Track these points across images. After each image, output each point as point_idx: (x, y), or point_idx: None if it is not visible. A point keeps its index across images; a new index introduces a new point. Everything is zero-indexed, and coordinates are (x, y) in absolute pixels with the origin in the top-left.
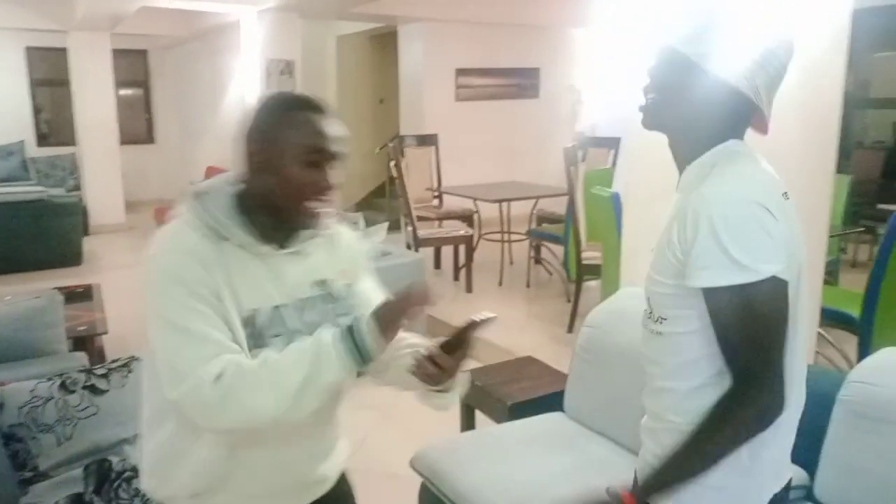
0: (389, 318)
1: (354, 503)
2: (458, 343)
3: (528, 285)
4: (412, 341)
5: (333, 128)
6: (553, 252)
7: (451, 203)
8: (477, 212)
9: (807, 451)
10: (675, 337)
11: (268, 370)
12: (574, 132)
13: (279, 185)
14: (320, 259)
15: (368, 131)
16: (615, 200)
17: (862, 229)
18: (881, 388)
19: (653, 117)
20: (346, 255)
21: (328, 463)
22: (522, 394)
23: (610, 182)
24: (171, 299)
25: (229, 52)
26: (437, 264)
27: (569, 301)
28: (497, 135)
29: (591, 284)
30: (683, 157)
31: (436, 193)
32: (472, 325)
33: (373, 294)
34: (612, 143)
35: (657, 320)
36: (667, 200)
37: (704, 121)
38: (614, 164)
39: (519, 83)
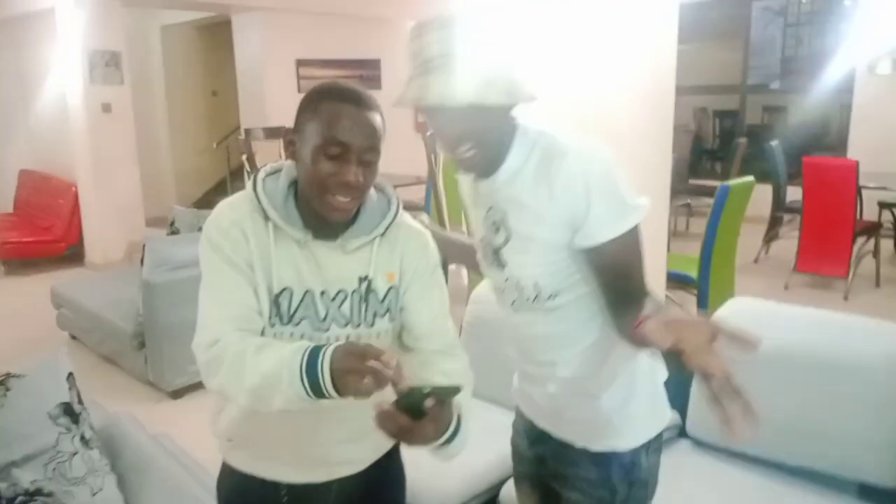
0: (347, 364)
1: (398, 489)
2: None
3: None
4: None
5: (364, 121)
6: None
7: None
8: None
9: (676, 396)
10: (575, 303)
11: (248, 361)
12: (417, 122)
13: (304, 175)
14: (373, 257)
15: (202, 126)
16: None
17: (687, 202)
18: None
19: (479, 165)
20: (402, 258)
21: (358, 446)
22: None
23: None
24: (209, 263)
25: (42, 44)
26: None
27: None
28: None
29: (451, 267)
30: (489, 167)
31: None
32: (436, 395)
33: (420, 304)
34: None
35: (549, 297)
36: None
37: (501, 135)
38: None
39: (361, 74)
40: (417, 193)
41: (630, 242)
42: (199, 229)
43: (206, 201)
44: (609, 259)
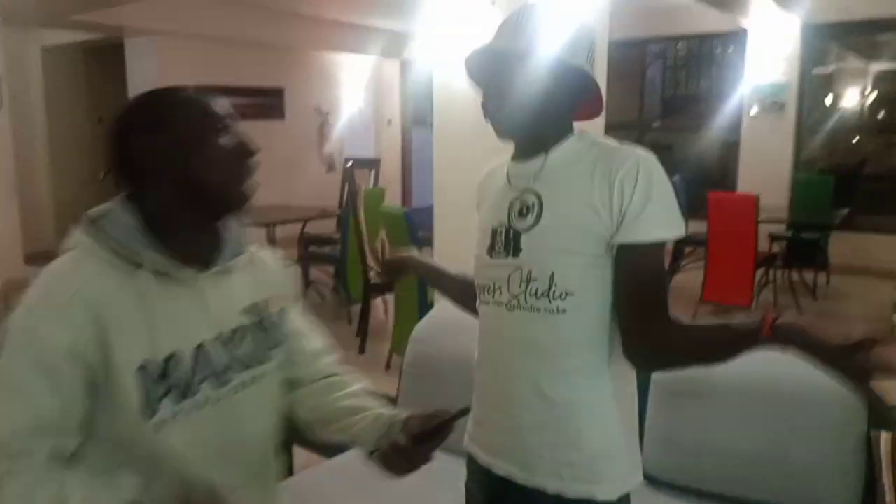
0: None
1: None
2: (430, 435)
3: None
4: (360, 402)
5: (204, 94)
6: (324, 274)
7: None
8: None
9: None
10: (583, 311)
11: None
12: (323, 154)
13: (198, 180)
14: (246, 282)
15: (87, 155)
16: (408, 217)
17: None
18: None
19: (513, 123)
20: (272, 278)
21: None
22: None
23: (382, 200)
24: (11, 359)
25: None
26: None
27: (350, 323)
28: None
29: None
30: (536, 146)
31: None
32: (450, 420)
33: (302, 325)
34: (373, 164)
35: (560, 296)
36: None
37: (558, 116)
38: (376, 183)
39: (263, 103)
40: (320, 227)
41: (663, 254)
42: None
43: None
44: (647, 261)
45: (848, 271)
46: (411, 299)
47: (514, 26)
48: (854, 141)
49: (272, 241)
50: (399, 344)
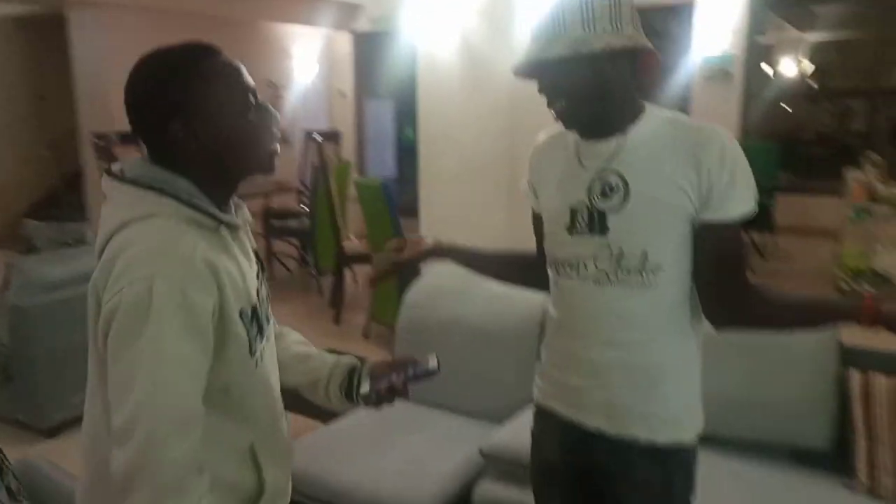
0: None
1: None
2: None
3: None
4: (307, 349)
5: (238, 63)
6: (288, 247)
7: None
8: None
9: None
10: (671, 283)
11: None
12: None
13: (229, 144)
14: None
15: (26, 132)
16: (385, 188)
17: None
18: None
19: (582, 122)
20: (243, 217)
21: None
22: None
23: (349, 173)
24: (165, 323)
25: None
26: None
27: (321, 294)
28: None
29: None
30: (607, 128)
31: None
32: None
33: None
34: (335, 137)
35: (652, 271)
36: (462, 181)
37: (624, 98)
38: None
39: None
40: (278, 201)
41: (742, 229)
42: (65, 244)
43: (37, 214)
44: (730, 235)
45: (792, 232)
46: None
47: (550, 28)
48: (794, 108)
49: None
50: (378, 313)
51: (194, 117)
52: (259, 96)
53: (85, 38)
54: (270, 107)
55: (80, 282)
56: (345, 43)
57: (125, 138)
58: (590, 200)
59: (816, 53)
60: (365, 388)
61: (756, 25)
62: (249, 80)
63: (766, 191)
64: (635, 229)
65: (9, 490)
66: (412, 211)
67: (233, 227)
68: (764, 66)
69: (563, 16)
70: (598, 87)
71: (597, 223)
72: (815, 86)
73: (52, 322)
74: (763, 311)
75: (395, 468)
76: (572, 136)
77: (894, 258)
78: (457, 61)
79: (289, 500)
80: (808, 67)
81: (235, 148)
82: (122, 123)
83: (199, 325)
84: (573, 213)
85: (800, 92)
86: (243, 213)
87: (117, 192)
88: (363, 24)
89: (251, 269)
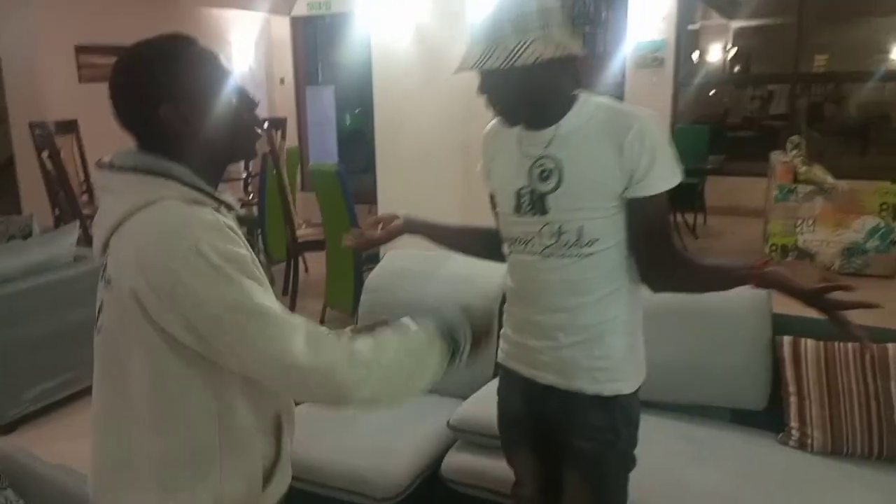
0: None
1: None
2: None
3: None
4: None
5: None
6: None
7: None
8: None
9: None
10: (607, 252)
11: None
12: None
13: (221, 132)
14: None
15: None
16: (340, 174)
17: None
18: None
19: (519, 118)
20: None
21: None
22: None
23: (298, 161)
24: (238, 283)
25: None
26: None
27: (273, 283)
28: None
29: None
30: (543, 120)
31: (86, 188)
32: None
33: None
34: (280, 124)
35: (587, 244)
36: (418, 168)
37: (557, 92)
38: (283, 141)
39: None
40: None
41: (667, 199)
42: (10, 238)
43: None
44: (655, 210)
45: (721, 212)
46: (346, 254)
47: (487, 35)
48: (720, 93)
49: None
50: (334, 300)
51: (182, 101)
52: (239, 81)
53: (11, 23)
54: (250, 92)
55: (30, 275)
56: (283, 28)
57: (60, 128)
58: (531, 184)
59: (741, 40)
60: None
61: (686, 13)
62: (228, 65)
63: (696, 172)
64: (571, 208)
65: None
66: (360, 197)
67: (229, 208)
68: (693, 51)
69: (498, 24)
70: (531, 93)
71: (538, 204)
72: (741, 70)
73: (3, 316)
74: (686, 273)
75: (367, 444)
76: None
77: (816, 234)
78: (412, 51)
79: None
80: (734, 53)
81: (223, 130)
82: (53, 112)
83: (249, 267)
84: (518, 196)
85: (727, 77)
86: (227, 197)
87: (117, 181)
88: (301, 9)
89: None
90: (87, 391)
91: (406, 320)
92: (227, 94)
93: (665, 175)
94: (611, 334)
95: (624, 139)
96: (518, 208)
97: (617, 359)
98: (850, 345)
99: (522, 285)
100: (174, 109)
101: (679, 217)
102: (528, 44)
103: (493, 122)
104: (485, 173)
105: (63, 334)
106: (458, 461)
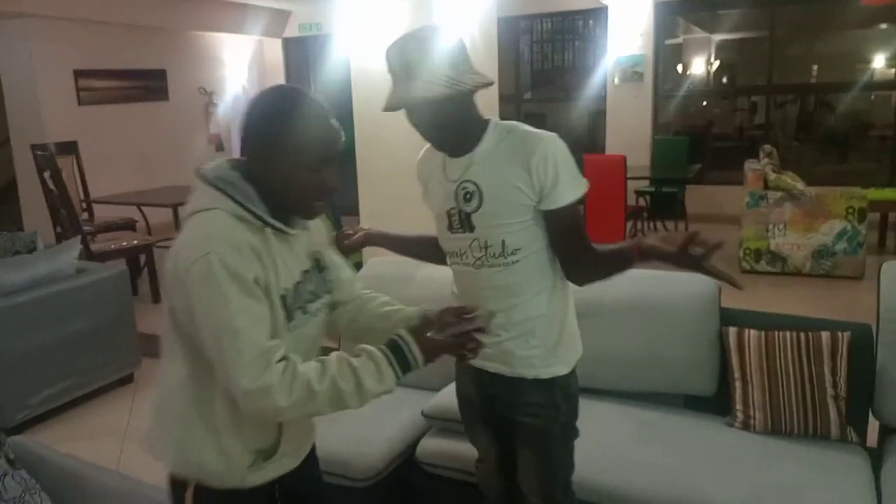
0: (433, 345)
1: (319, 467)
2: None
3: None
4: (394, 304)
5: (336, 131)
6: None
7: (106, 213)
8: (137, 221)
9: None
10: (530, 258)
11: (329, 386)
12: (209, 134)
13: (284, 184)
14: (304, 234)
15: None
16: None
17: None
18: None
19: (441, 144)
20: (315, 227)
21: (312, 434)
22: None
23: None
24: (228, 292)
25: None
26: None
27: None
28: (131, 139)
29: None
30: (462, 148)
31: (86, 206)
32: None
33: (336, 259)
34: None
35: (512, 253)
36: (394, 180)
37: (472, 122)
38: None
39: (146, 85)
40: None
41: (577, 207)
42: (15, 253)
43: None
44: (567, 218)
45: (701, 219)
46: None
47: (404, 72)
48: (702, 105)
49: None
50: None
51: (274, 150)
52: (331, 164)
53: (14, 48)
54: (334, 176)
55: (35, 287)
56: (275, 50)
57: (60, 149)
58: (458, 205)
59: (721, 53)
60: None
61: (663, 29)
62: (333, 151)
63: (676, 182)
64: (493, 224)
65: (8, 459)
66: (344, 207)
67: (280, 232)
68: (675, 65)
69: (413, 65)
70: (445, 122)
71: (465, 223)
72: (721, 83)
73: (10, 326)
74: (595, 262)
75: (349, 433)
76: (441, 154)
77: (787, 238)
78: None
79: (305, 455)
80: (714, 66)
81: (289, 194)
82: (52, 134)
83: (248, 287)
84: (449, 216)
85: (707, 89)
86: (305, 225)
87: (196, 186)
88: (292, 30)
89: (296, 266)
90: (88, 396)
91: (368, 347)
92: (307, 171)
93: (570, 188)
94: (542, 326)
95: (530, 160)
96: (450, 226)
97: (550, 346)
98: (788, 333)
99: (464, 291)
100: (269, 156)
101: (660, 224)
102: (436, 81)
103: (426, 147)
104: (423, 196)
105: (66, 343)
106: (432, 446)
